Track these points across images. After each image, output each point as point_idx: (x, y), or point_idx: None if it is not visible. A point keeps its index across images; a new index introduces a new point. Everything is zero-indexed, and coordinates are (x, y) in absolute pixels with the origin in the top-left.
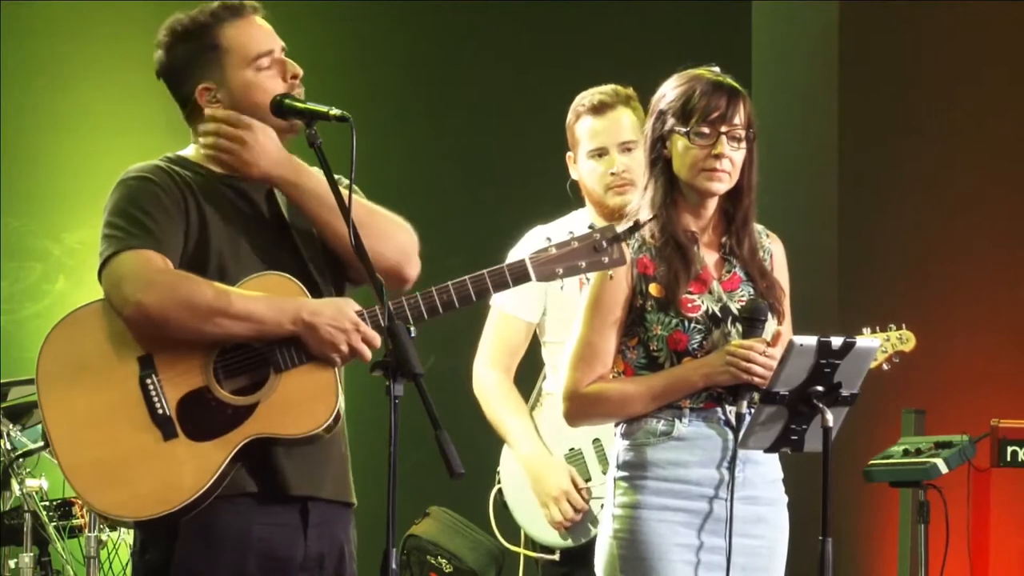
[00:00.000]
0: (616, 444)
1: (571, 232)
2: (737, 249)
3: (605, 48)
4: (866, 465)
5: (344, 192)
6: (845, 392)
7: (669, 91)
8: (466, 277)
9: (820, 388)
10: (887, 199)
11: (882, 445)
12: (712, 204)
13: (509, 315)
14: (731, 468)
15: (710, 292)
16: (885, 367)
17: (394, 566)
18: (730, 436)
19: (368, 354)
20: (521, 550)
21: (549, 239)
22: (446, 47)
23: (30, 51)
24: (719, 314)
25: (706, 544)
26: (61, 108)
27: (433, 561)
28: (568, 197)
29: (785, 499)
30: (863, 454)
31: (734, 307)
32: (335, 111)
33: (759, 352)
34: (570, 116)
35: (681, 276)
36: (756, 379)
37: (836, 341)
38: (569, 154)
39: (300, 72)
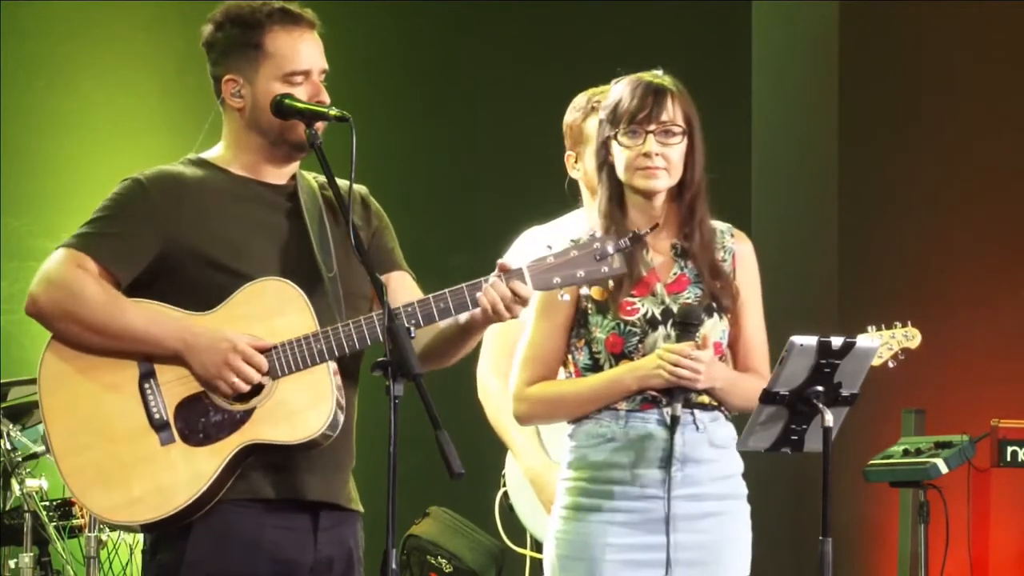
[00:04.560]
0: (563, 446)
1: (572, 240)
2: (687, 246)
3: (605, 48)
4: (866, 465)
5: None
6: (845, 392)
7: (607, 98)
8: (463, 285)
9: (820, 388)
10: (887, 199)
11: (882, 445)
12: (659, 204)
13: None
14: (667, 467)
15: (653, 295)
16: (891, 364)
17: (394, 566)
18: (666, 436)
19: (250, 375)
20: (527, 552)
21: (549, 247)
22: (446, 46)
23: (30, 51)
24: (659, 317)
25: (644, 543)
26: (61, 108)
27: (433, 561)
28: (568, 196)
29: (743, 493)
30: (863, 454)
31: (676, 309)
32: (335, 111)
33: (686, 356)
34: (576, 116)
35: (624, 280)
36: (684, 382)
37: (836, 341)
38: (569, 154)
39: (327, 102)
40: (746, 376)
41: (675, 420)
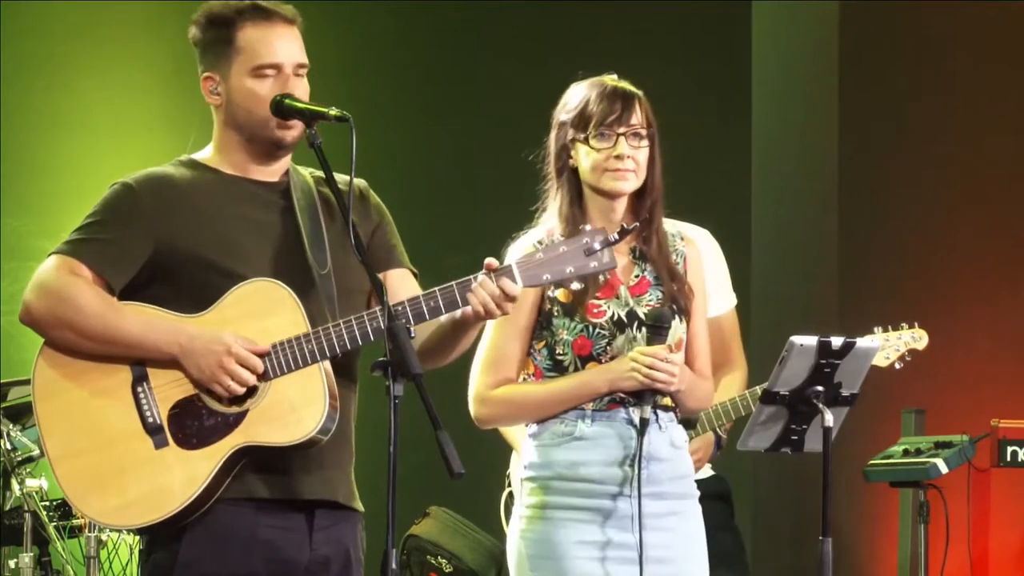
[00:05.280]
0: (524, 445)
1: (560, 236)
2: (646, 249)
3: (605, 48)
4: (866, 465)
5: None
6: (845, 392)
7: (567, 101)
8: (452, 283)
9: (820, 388)
10: (887, 199)
11: (882, 445)
12: (620, 208)
13: None
14: (636, 466)
15: (617, 297)
16: (897, 365)
17: (394, 566)
18: (633, 435)
19: (245, 378)
20: None
21: (539, 243)
22: (445, 47)
23: (30, 51)
24: (625, 319)
25: (613, 540)
26: (61, 108)
27: (433, 561)
28: None
29: (696, 494)
30: (863, 454)
31: (641, 312)
32: (334, 111)
33: (662, 359)
34: None
35: (589, 282)
36: (659, 385)
37: (836, 341)
38: None
39: (296, 94)
40: (698, 379)
41: (644, 422)
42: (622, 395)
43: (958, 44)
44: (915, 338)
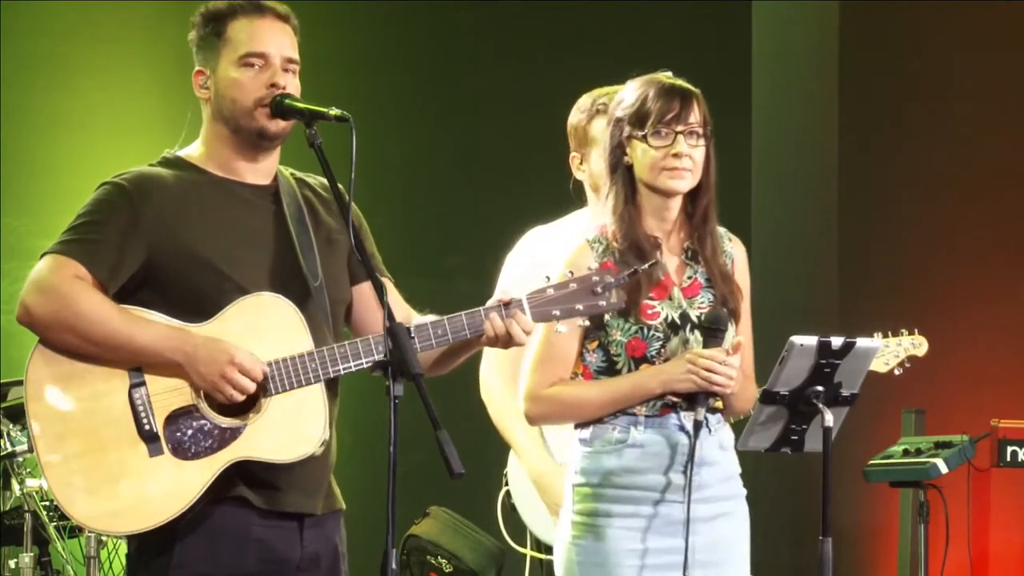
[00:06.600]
0: (574, 451)
1: (570, 272)
2: (700, 250)
3: (605, 48)
4: (866, 465)
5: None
6: (845, 392)
7: (624, 98)
8: (461, 313)
9: (820, 388)
10: (887, 199)
11: (882, 445)
12: (675, 207)
13: None
14: (688, 472)
15: (670, 299)
16: (897, 372)
17: (394, 566)
18: (685, 441)
19: (246, 386)
20: (528, 551)
21: (547, 278)
22: (446, 46)
23: (30, 51)
24: (678, 321)
25: (663, 547)
26: (61, 108)
27: (433, 561)
28: (569, 196)
29: (743, 492)
30: (863, 454)
31: (693, 314)
32: (334, 111)
33: (720, 362)
34: (581, 117)
35: (643, 283)
36: (716, 388)
37: (836, 341)
38: (573, 155)
39: (282, 85)
40: (745, 380)
41: (698, 425)
42: (674, 399)
43: (958, 44)
44: (915, 344)
